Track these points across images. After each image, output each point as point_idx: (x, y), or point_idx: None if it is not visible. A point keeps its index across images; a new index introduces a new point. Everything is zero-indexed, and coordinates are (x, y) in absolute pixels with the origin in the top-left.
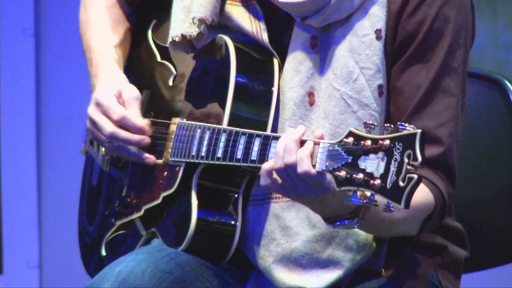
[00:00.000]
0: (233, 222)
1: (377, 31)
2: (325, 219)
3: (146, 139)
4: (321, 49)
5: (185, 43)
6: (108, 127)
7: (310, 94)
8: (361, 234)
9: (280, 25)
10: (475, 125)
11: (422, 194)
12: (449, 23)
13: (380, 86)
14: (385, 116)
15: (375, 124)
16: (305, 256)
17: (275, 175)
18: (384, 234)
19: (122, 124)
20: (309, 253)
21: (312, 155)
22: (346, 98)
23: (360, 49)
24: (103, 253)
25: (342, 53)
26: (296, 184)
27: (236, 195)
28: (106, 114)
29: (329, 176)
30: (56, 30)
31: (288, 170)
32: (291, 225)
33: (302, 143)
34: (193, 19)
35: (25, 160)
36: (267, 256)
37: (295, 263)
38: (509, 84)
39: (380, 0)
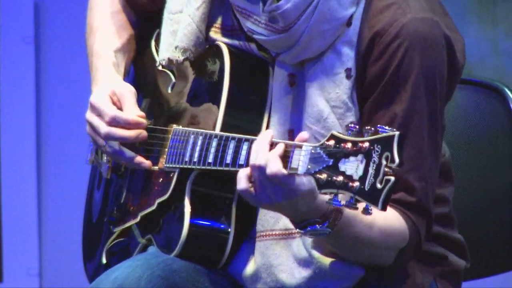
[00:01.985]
0: (226, 228)
1: (347, 70)
2: (296, 225)
3: (142, 133)
4: (298, 87)
5: (174, 65)
6: (103, 128)
7: (290, 132)
8: (343, 264)
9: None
10: (475, 132)
11: (398, 223)
12: (414, 67)
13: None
14: None
15: (357, 126)
16: None
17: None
18: (353, 255)
19: (114, 124)
20: None
21: (292, 158)
22: (318, 136)
23: (330, 88)
24: (104, 261)
25: (313, 91)
26: (265, 187)
27: (230, 201)
28: (100, 116)
29: (306, 179)
30: (56, 38)
31: (258, 173)
32: (275, 263)
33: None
34: (176, 47)
35: (25, 167)
36: None
37: None
38: (509, 92)
39: (350, 40)
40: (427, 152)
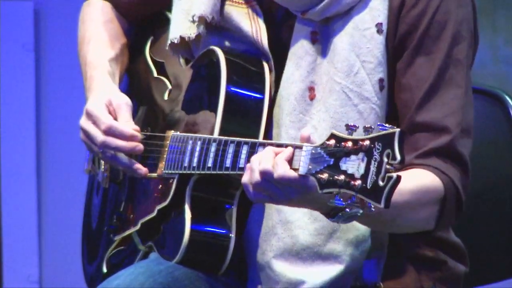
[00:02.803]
0: (227, 233)
1: (378, 25)
2: (326, 215)
3: (138, 146)
4: (322, 43)
5: (184, 46)
6: (99, 136)
7: (311, 89)
8: (361, 229)
9: (280, 25)
10: (475, 139)
11: (429, 180)
12: (451, 15)
13: (381, 80)
14: (386, 110)
15: (357, 125)
16: (306, 249)
17: (257, 187)
18: (394, 226)
19: (110, 133)
20: (310, 246)
21: (293, 159)
22: (347, 91)
23: (361, 43)
24: (105, 270)
25: (343, 47)
26: (279, 190)
27: (230, 206)
28: (95, 124)
29: (311, 179)
30: (56, 45)
31: (266, 178)
32: (292, 219)
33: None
34: (193, 16)
35: (25, 173)
36: (268, 251)
37: (296, 256)
38: (509, 99)
39: None
40: (465, 101)
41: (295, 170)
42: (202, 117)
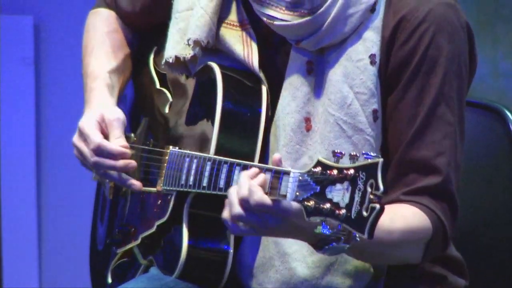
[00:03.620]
0: (225, 248)
1: (371, 56)
2: (313, 246)
3: (130, 164)
4: (317, 74)
5: (179, 65)
6: (91, 156)
7: (307, 120)
8: (360, 261)
9: (275, 50)
10: (474, 154)
11: (417, 220)
12: (443, 51)
13: (374, 111)
14: (381, 141)
15: (343, 152)
16: (304, 282)
17: (235, 218)
18: (381, 260)
19: (99, 152)
20: (308, 279)
21: (281, 185)
22: (340, 123)
23: (354, 74)
24: (109, 280)
25: (336, 78)
26: (257, 217)
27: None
28: (86, 142)
29: (296, 205)
30: (56, 60)
31: (245, 206)
32: (289, 251)
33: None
34: (188, 40)
35: (25, 188)
36: (265, 282)
37: None
38: (508, 113)
39: (374, 26)
40: (454, 138)
41: (283, 196)
42: (200, 133)
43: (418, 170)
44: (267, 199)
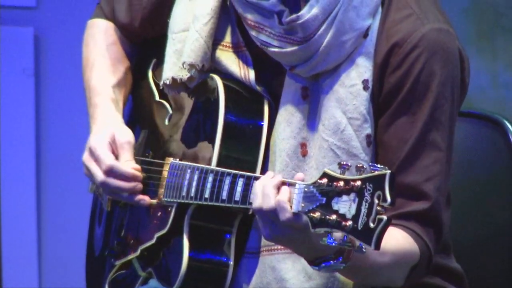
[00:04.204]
0: (226, 261)
1: (364, 82)
2: (310, 262)
3: (138, 186)
4: (312, 99)
5: (177, 85)
6: (99, 176)
7: (303, 145)
8: (356, 284)
9: (271, 72)
10: (474, 165)
11: (408, 244)
12: (435, 77)
13: (368, 136)
14: None
15: (349, 164)
16: None
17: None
18: (368, 281)
19: (111, 173)
20: None
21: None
22: (334, 148)
23: (348, 99)
24: None
25: (330, 104)
26: (277, 227)
27: (229, 234)
28: (97, 162)
29: (304, 218)
30: (56, 71)
31: (269, 215)
32: (287, 277)
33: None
34: (183, 63)
35: (25, 199)
36: None
37: None
38: (508, 124)
39: (367, 51)
40: (443, 163)
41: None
42: (201, 145)
43: (407, 195)
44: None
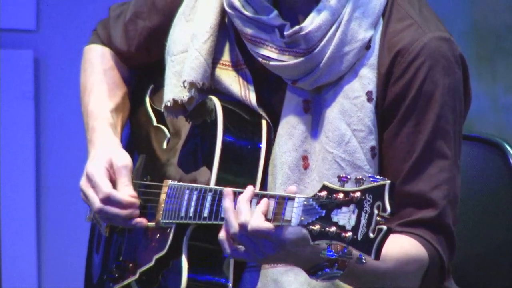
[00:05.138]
0: (224, 282)
1: (368, 93)
2: (307, 272)
3: (134, 212)
4: (314, 112)
5: (178, 107)
6: (96, 203)
7: (304, 158)
8: None
9: (271, 89)
10: (474, 188)
11: (414, 249)
12: (438, 85)
13: (372, 148)
14: None
15: (349, 177)
16: None
17: (235, 242)
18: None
19: (108, 201)
20: None
21: (285, 210)
22: (339, 160)
23: (352, 111)
24: None
25: (333, 116)
26: (253, 243)
27: (228, 255)
28: (94, 189)
29: (294, 228)
30: (56, 94)
31: (242, 231)
32: None
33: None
34: (183, 82)
35: (25, 221)
36: None
37: None
38: (509, 148)
39: (370, 63)
40: (451, 171)
41: (287, 221)
42: (199, 167)
43: (414, 204)
44: (266, 226)
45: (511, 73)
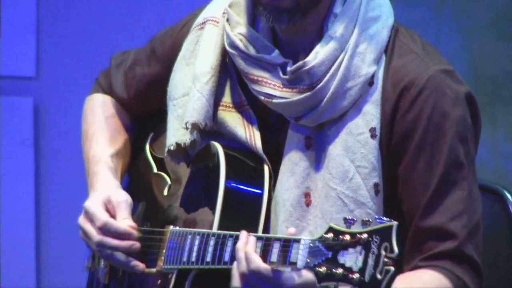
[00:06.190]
0: None
1: (372, 130)
2: None
3: (135, 245)
4: (316, 148)
5: (180, 151)
6: (95, 236)
7: (306, 195)
8: None
9: (274, 128)
10: None
11: (437, 281)
12: (448, 117)
13: (376, 185)
14: (382, 215)
15: (355, 219)
16: None
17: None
18: None
19: (105, 230)
20: None
21: (291, 252)
22: (342, 197)
23: (355, 148)
24: None
25: (337, 152)
26: (259, 285)
27: None
28: (92, 222)
29: (298, 272)
30: (56, 141)
31: (244, 276)
32: None
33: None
34: (186, 123)
35: (24, 260)
36: None
37: None
38: (508, 195)
39: (373, 99)
40: (468, 200)
41: (293, 263)
42: (201, 213)
43: (434, 237)
44: (264, 268)
45: (511, 121)
